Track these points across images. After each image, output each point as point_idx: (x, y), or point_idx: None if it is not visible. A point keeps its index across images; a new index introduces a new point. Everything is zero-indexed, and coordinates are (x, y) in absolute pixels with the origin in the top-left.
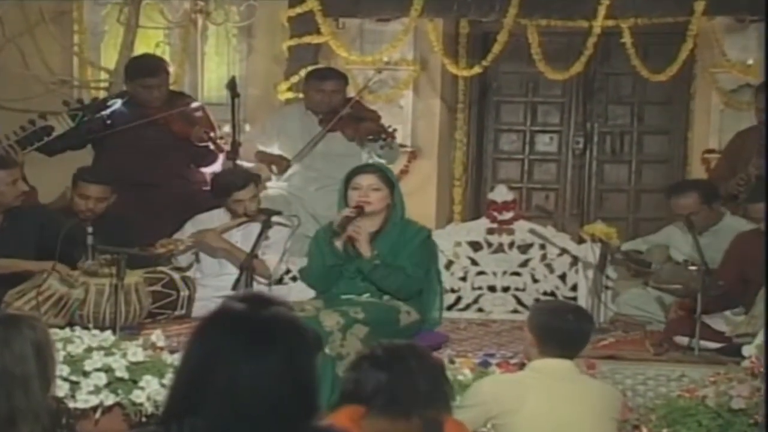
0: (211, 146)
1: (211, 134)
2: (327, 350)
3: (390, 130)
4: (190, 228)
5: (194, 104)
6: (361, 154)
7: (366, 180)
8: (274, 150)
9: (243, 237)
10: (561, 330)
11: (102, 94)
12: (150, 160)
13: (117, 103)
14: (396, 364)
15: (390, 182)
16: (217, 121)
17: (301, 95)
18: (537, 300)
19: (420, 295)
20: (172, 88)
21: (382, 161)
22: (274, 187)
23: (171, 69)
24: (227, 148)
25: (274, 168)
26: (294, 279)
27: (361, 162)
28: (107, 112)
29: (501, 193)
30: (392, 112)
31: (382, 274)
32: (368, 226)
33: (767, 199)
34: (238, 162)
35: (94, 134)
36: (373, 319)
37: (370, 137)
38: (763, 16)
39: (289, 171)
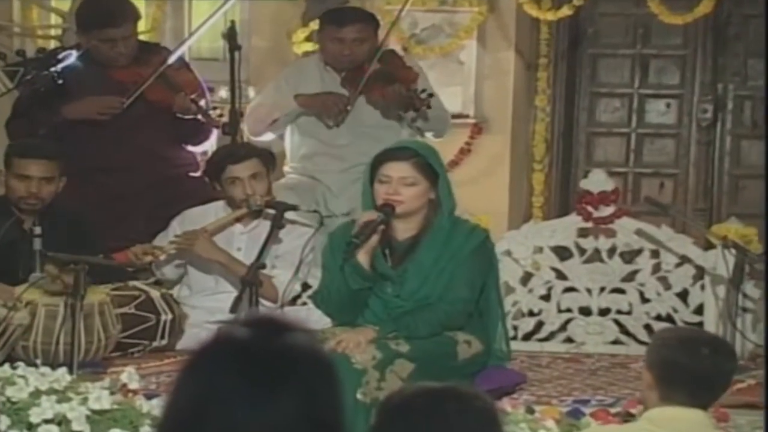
0: (201, 118)
1: (201, 102)
2: (359, 395)
3: (423, 95)
4: (177, 228)
5: (176, 60)
6: (400, 127)
7: (396, 170)
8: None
9: (249, 241)
10: (692, 369)
11: (52, 45)
12: (117, 137)
13: (71, 57)
14: (432, 415)
15: (431, 171)
16: (211, 82)
17: None
18: (647, 327)
19: (480, 318)
20: (146, 38)
21: (429, 135)
22: (292, 171)
23: (142, 12)
24: (224, 119)
25: (328, 112)
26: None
27: (400, 136)
28: (58, 68)
29: (598, 181)
30: (449, 70)
31: (407, 323)
32: (402, 231)
33: (767, 196)
34: (241, 139)
35: (39, 98)
36: (421, 352)
37: (401, 105)
38: None
39: (307, 149)
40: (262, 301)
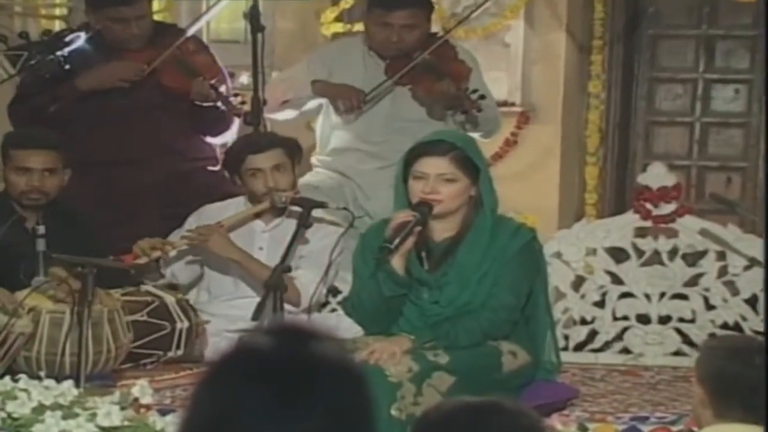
0: (221, 106)
1: (221, 88)
2: (393, 411)
3: (474, 96)
4: (193, 225)
5: (193, 42)
6: (445, 122)
7: (433, 165)
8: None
9: (272, 241)
10: (746, 380)
11: (58, 26)
12: (128, 127)
13: (79, 39)
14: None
15: (471, 166)
16: (231, 67)
17: (355, 28)
18: (712, 335)
19: (527, 326)
20: (160, 18)
21: (475, 135)
22: (320, 165)
23: None
24: (245, 108)
25: (340, 105)
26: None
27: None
28: (64, 51)
29: (658, 175)
30: (493, 53)
31: (447, 332)
32: (439, 232)
33: (767, 201)
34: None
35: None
36: (462, 363)
37: (448, 105)
38: None
39: (339, 142)
40: (287, 306)
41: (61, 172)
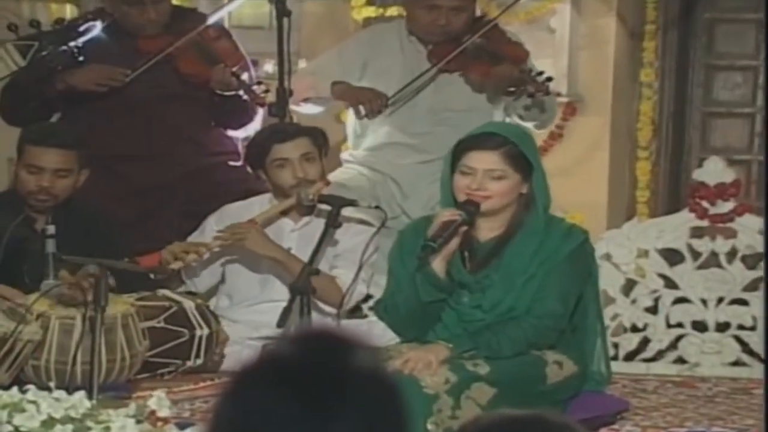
0: (243, 95)
1: (244, 76)
2: (429, 425)
3: (541, 78)
4: (214, 227)
5: (214, 27)
6: (493, 112)
7: (482, 160)
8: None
9: (301, 240)
10: None
11: (71, 13)
12: (144, 119)
13: (94, 28)
14: None
15: (524, 162)
16: (255, 55)
17: (388, 12)
18: None
19: (574, 335)
20: (178, 2)
21: (528, 125)
22: (352, 161)
23: None
24: (270, 98)
25: (361, 109)
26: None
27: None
28: (78, 42)
29: (715, 171)
30: (537, 39)
31: (488, 340)
32: (485, 231)
33: (767, 199)
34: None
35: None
36: (504, 374)
37: (510, 89)
38: None
39: (376, 136)
40: (323, 306)
41: (76, 174)
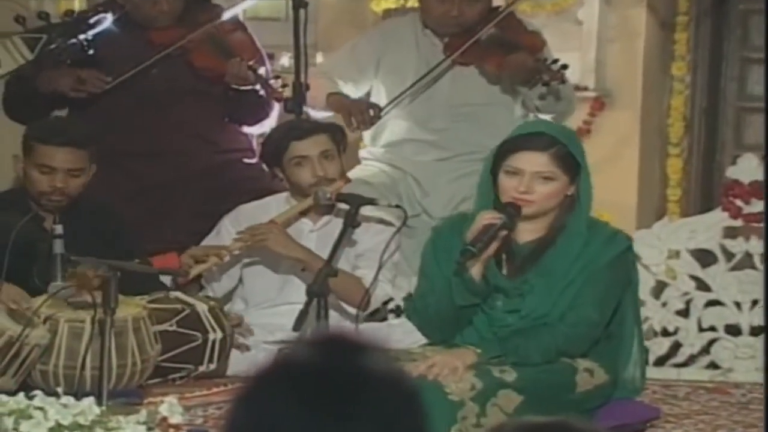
0: (259, 90)
1: (259, 70)
2: None
3: (555, 66)
4: (230, 228)
5: (228, 19)
6: (513, 105)
7: (531, 162)
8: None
9: (320, 241)
10: None
11: (80, 5)
12: (156, 114)
13: (105, 21)
14: None
15: (572, 163)
16: (270, 48)
17: (409, 3)
18: None
19: (609, 342)
20: None
21: (545, 117)
22: (370, 158)
23: None
24: (286, 93)
25: (353, 121)
26: (398, 313)
27: (513, 118)
28: (88, 35)
29: (749, 169)
30: (564, 31)
31: (517, 346)
32: (525, 233)
33: (767, 198)
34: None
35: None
36: (532, 381)
37: (525, 79)
38: None
39: (393, 133)
40: (346, 307)
41: (87, 171)
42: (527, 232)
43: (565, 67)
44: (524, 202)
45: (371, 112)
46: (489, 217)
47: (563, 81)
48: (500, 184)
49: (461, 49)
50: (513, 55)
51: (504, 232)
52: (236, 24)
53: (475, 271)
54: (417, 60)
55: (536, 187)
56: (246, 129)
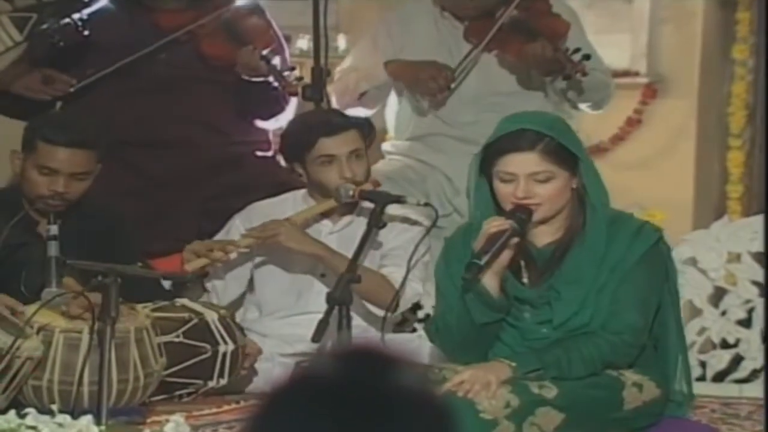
0: (274, 81)
1: (274, 60)
2: None
3: (576, 57)
4: (241, 228)
5: (245, 3)
6: (543, 91)
7: (521, 164)
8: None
9: (341, 243)
10: None
11: None
12: (162, 105)
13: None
14: None
15: (568, 155)
16: (287, 29)
17: None
18: None
19: (655, 351)
20: None
21: (583, 107)
22: (394, 152)
23: None
24: (304, 82)
25: (431, 85)
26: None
27: (545, 105)
28: (83, 14)
29: None
30: (612, 11)
31: (557, 359)
32: (542, 236)
33: (767, 200)
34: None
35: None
36: (574, 398)
37: (545, 70)
38: None
39: (418, 127)
40: (371, 308)
41: (93, 173)
42: (545, 235)
43: (587, 57)
44: (531, 205)
45: (444, 75)
46: (496, 225)
47: (585, 73)
48: (497, 192)
49: (487, 37)
50: (531, 45)
51: (515, 239)
52: (254, 8)
53: (491, 284)
54: (438, 45)
55: (535, 189)
56: (260, 123)
